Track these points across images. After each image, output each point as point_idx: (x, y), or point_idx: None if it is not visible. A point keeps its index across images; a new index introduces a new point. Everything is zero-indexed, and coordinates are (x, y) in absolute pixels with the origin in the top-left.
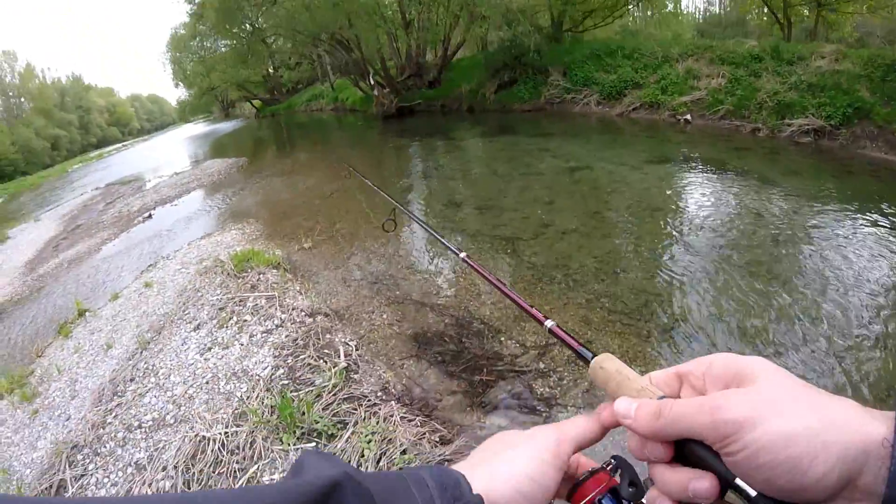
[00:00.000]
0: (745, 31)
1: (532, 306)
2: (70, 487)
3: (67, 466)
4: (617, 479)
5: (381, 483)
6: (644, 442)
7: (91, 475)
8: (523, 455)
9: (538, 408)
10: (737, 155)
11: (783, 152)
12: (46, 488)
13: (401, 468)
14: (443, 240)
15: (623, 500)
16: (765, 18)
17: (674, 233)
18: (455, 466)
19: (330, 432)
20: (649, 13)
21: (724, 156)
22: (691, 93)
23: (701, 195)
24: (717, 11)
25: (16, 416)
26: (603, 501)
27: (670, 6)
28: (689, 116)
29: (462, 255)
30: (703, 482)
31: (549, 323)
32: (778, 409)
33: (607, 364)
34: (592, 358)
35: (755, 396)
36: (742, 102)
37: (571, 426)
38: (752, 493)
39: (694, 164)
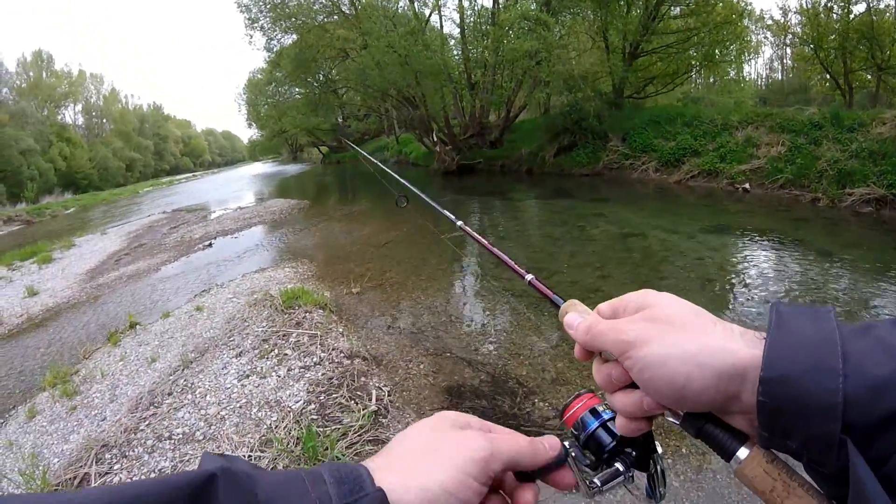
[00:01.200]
0: (807, 97)
1: (515, 262)
2: (93, 481)
3: (94, 462)
4: (599, 398)
5: (272, 478)
6: (585, 352)
7: (115, 474)
8: (447, 465)
9: None
10: (795, 225)
11: (843, 223)
12: (70, 479)
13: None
14: (442, 210)
15: (601, 417)
16: (826, 85)
17: (726, 305)
18: (368, 460)
19: None
20: (711, 80)
21: (783, 226)
22: (750, 161)
23: (756, 267)
24: (780, 78)
25: (54, 408)
26: (584, 417)
27: (732, 73)
28: (747, 185)
29: (459, 223)
30: (648, 399)
31: (528, 276)
32: (661, 333)
33: (571, 308)
34: (562, 304)
35: (646, 324)
36: (802, 171)
37: (507, 444)
38: (681, 412)
39: (751, 234)
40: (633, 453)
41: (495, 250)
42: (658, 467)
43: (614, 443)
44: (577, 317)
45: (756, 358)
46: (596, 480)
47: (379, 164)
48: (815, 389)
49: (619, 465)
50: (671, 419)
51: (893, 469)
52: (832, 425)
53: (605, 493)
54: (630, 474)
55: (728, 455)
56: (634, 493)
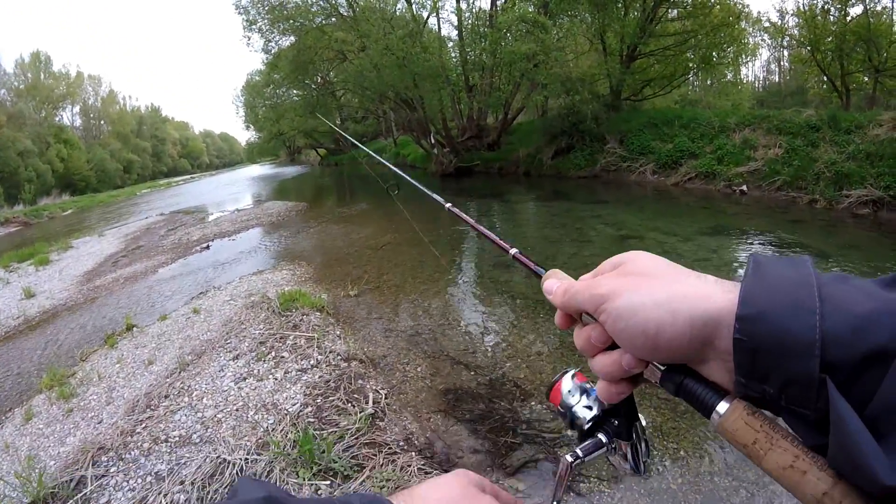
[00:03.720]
0: (804, 100)
1: (501, 238)
2: (89, 485)
3: (91, 465)
4: (584, 375)
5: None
6: (565, 317)
7: (112, 477)
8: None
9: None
10: (793, 227)
11: (841, 225)
12: (67, 481)
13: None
14: (431, 193)
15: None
16: (823, 87)
17: None
18: (393, 496)
19: (345, 473)
20: (709, 82)
21: (780, 228)
22: (748, 163)
23: None
24: (777, 81)
25: (51, 411)
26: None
27: (730, 75)
28: (744, 187)
29: (447, 205)
30: (626, 356)
31: (513, 251)
32: (634, 285)
33: (552, 276)
34: (544, 273)
35: (620, 278)
36: (799, 173)
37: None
38: (662, 367)
39: (749, 236)
40: (616, 423)
41: (481, 228)
42: (641, 436)
43: (597, 413)
44: (555, 281)
45: (731, 303)
46: (578, 451)
47: (374, 154)
48: (792, 326)
49: (601, 436)
50: (650, 379)
51: (876, 410)
52: (810, 363)
53: (587, 463)
54: (613, 445)
55: (708, 410)
56: (623, 467)
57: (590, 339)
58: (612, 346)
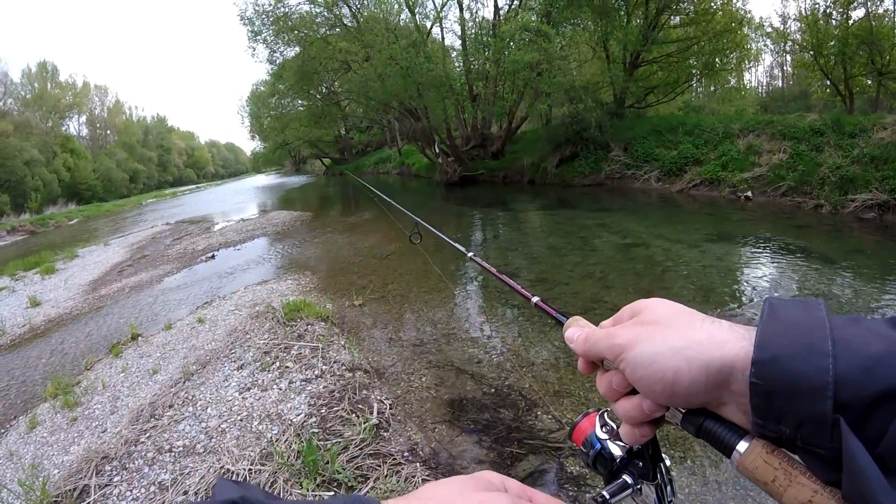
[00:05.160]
0: (808, 104)
1: (523, 287)
2: (93, 493)
3: (95, 474)
4: (607, 416)
5: None
6: (587, 364)
7: (115, 486)
8: None
9: (566, 486)
10: (798, 233)
11: (846, 229)
12: (70, 490)
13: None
14: (453, 243)
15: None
16: (827, 91)
17: (730, 315)
18: (387, 501)
19: (349, 484)
20: (712, 88)
21: (786, 234)
22: (752, 169)
23: (760, 275)
24: (780, 86)
25: (55, 419)
26: (592, 435)
27: (733, 81)
28: (749, 193)
29: (469, 254)
30: (647, 401)
31: (535, 299)
32: (650, 334)
33: (574, 324)
34: (566, 321)
35: (637, 327)
36: (804, 178)
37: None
38: (682, 411)
39: (754, 242)
40: (641, 464)
41: (504, 277)
42: (666, 477)
43: (622, 455)
44: (576, 330)
45: (744, 349)
46: (604, 493)
47: (390, 200)
48: (805, 369)
49: (627, 478)
50: (672, 421)
51: (887, 448)
52: (823, 404)
53: None
54: (638, 486)
55: (728, 450)
56: None
57: (611, 385)
58: (634, 391)
